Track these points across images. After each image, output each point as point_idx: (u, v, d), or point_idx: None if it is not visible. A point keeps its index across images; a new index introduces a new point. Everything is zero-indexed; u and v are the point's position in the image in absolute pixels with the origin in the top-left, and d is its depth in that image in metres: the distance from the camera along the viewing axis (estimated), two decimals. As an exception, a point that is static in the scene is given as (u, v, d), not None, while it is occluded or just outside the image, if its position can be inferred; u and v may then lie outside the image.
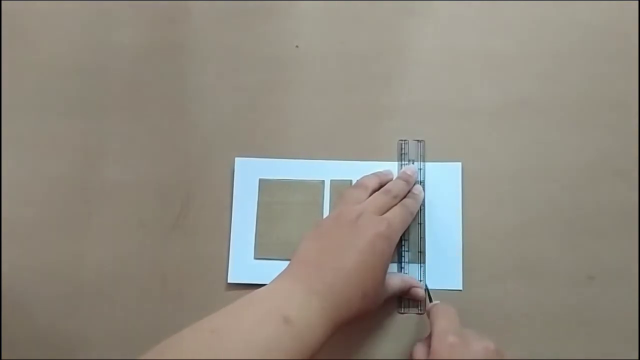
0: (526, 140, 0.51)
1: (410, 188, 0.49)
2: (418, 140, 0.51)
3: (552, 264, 0.49)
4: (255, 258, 0.50)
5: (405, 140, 0.51)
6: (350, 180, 0.51)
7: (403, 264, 0.49)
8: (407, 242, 0.49)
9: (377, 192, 0.47)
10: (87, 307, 0.51)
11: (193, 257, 0.51)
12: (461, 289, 0.48)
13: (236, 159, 0.52)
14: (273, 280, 0.41)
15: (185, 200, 0.52)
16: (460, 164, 0.50)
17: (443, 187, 0.50)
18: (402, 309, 0.49)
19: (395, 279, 0.46)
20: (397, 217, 0.45)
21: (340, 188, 0.50)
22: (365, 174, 0.49)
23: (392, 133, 0.52)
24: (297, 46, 0.54)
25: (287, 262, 0.43)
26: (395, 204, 0.47)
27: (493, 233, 0.48)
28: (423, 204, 0.49)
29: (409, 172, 0.50)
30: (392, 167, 0.51)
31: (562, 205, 0.50)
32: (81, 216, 0.52)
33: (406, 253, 0.49)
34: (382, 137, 0.52)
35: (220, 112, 0.54)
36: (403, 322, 0.49)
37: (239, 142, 0.53)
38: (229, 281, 0.50)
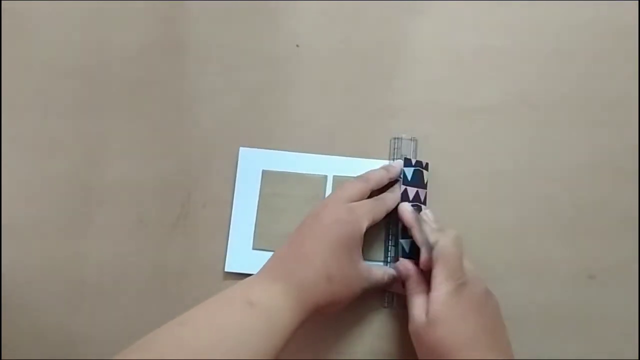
0: (526, 139, 0.51)
1: (389, 179, 0.49)
2: (411, 139, 0.51)
3: (552, 263, 0.49)
4: (254, 248, 0.50)
5: (398, 138, 0.51)
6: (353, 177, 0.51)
7: (389, 258, 0.49)
8: (394, 237, 0.49)
9: (353, 180, 0.47)
10: (88, 306, 0.51)
11: (193, 256, 0.51)
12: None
13: (240, 148, 0.52)
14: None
15: (185, 199, 0.52)
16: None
17: None
18: (386, 303, 0.49)
19: (378, 270, 0.46)
20: (364, 206, 0.45)
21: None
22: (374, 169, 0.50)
23: (392, 131, 0.52)
24: (297, 45, 0.55)
25: None
26: (369, 189, 0.47)
27: (493, 232, 0.48)
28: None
29: (393, 164, 0.50)
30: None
31: (562, 204, 0.50)
32: (82, 215, 0.52)
33: (392, 248, 0.49)
34: (382, 135, 0.52)
35: (221, 111, 0.54)
36: (388, 318, 0.49)
37: (239, 141, 0.53)
38: (226, 270, 0.50)
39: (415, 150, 0.51)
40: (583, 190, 0.50)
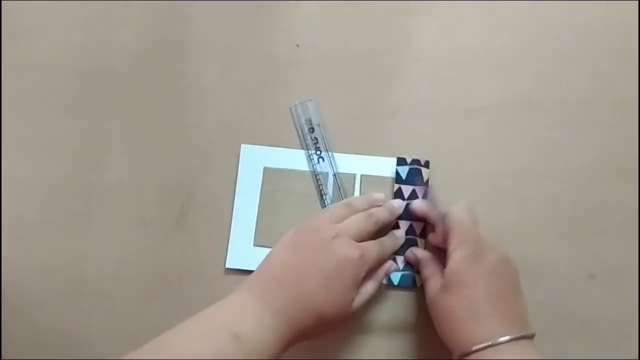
0: (527, 139, 0.51)
1: (393, 220, 0.49)
2: (309, 100, 0.52)
3: (553, 263, 0.49)
4: (255, 245, 0.50)
5: (296, 105, 0.52)
6: (354, 174, 0.51)
7: None
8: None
9: (360, 213, 0.46)
10: (89, 307, 0.51)
11: (193, 255, 0.51)
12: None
13: (242, 145, 0.52)
14: (234, 292, 0.41)
15: (186, 199, 0.52)
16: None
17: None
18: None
19: (368, 285, 0.45)
20: (373, 251, 0.44)
21: (344, 181, 0.51)
22: (357, 197, 0.50)
23: (392, 131, 0.52)
24: (297, 45, 0.55)
25: None
26: (374, 231, 0.46)
27: (493, 232, 0.48)
28: None
29: (395, 205, 0.49)
30: (392, 164, 0.51)
31: (562, 204, 0.50)
32: (82, 215, 0.52)
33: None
34: (382, 135, 0.52)
35: (221, 111, 0.54)
36: (388, 318, 0.49)
37: (239, 141, 0.53)
38: (227, 266, 0.50)
39: (318, 112, 0.52)
40: (583, 190, 0.50)
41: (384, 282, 0.48)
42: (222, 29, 0.56)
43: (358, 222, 0.45)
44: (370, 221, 0.46)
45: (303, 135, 0.51)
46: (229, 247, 0.50)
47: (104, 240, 0.52)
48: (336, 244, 0.42)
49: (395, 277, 0.48)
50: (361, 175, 0.51)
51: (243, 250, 0.50)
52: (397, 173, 0.50)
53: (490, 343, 0.38)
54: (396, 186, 0.49)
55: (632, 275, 0.48)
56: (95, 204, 0.53)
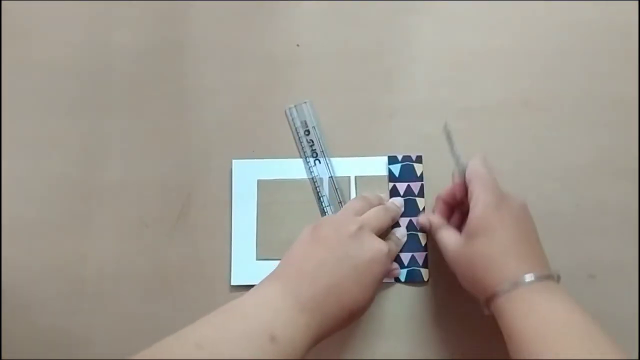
0: (527, 139, 0.51)
1: (398, 215, 0.50)
2: (304, 103, 0.52)
3: (553, 263, 0.48)
4: (258, 259, 0.50)
5: (292, 107, 0.52)
6: (349, 177, 0.51)
7: None
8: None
9: (378, 207, 0.47)
10: (88, 307, 0.51)
11: (194, 256, 0.51)
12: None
13: (233, 161, 0.52)
14: (263, 284, 0.41)
15: (186, 199, 0.52)
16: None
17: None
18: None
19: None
20: (393, 249, 0.47)
21: (340, 184, 0.51)
22: (355, 197, 0.50)
23: (392, 131, 0.52)
24: (298, 45, 0.54)
25: None
26: (389, 226, 0.48)
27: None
28: None
29: (397, 203, 0.50)
30: (385, 163, 0.51)
31: (562, 204, 0.50)
32: (82, 216, 0.52)
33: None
34: (382, 135, 0.52)
35: (221, 111, 0.54)
36: (391, 317, 0.49)
37: (240, 141, 0.53)
38: (232, 283, 0.50)
39: (313, 114, 0.52)
40: (583, 190, 0.50)
41: (391, 280, 0.49)
42: (222, 29, 0.56)
43: (377, 216, 0.46)
44: (388, 216, 0.47)
45: (299, 138, 0.52)
46: (232, 264, 0.50)
47: (104, 240, 0.52)
48: (364, 237, 0.43)
49: (402, 275, 0.48)
50: (355, 177, 0.51)
51: (246, 266, 0.50)
52: (390, 171, 0.50)
53: (517, 281, 0.39)
54: (390, 184, 0.50)
55: (632, 275, 0.48)
56: (95, 204, 0.53)
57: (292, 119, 0.52)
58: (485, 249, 0.41)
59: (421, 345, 0.48)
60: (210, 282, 0.50)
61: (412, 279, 0.48)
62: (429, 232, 0.48)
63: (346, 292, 0.40)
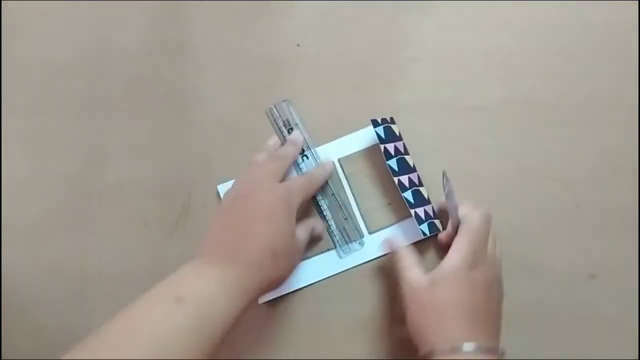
0: (526, 139, 0.51)
1: (297, 150, 0.50)
2: (283, 101, 0.52)
3: (553, 263, 0.49)
4: None
5: (271, 107, 0.53)
6: (333, 162, 0.51)
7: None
8: (325, 208, 0.51)
9: (266, 160, 0.48)
10: (88, 306, 0.51)
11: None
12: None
13: (218, 186, 0.52)
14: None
15: (186, 199, 0.52)
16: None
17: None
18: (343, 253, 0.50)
19: (300, 230, 0.46)
20: (297, 183, 0.47)
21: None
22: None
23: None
24: (298, 45, 0.55)
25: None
26: (288, 165, 0.48)
27: (493, 231, 0.48)
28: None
29: (294, 136, 0.51)
30: (367, 132, 0.52)
31: (562, 203, 0.50)
32: (82, 216, 0.52)
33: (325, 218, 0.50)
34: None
35: (222, 111, 0.54)
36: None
37: (240, 141, 0.53)
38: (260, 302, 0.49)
39: (294, 111, 0.52)
40: (583, 189, 0.50)
41: (420, 237, 0.48)
42: (222, 29, 0.56)
43: (269, 166, 0.47)
44: (279, 159, 0.48)
45: (284, 138, 0.52)
46: None
47: (105, 240, 0.52)
48: (259, 189, 0.44)
49: (425, 228, 0.48)
50: (339, 160, 0.51)
51: None
52: (378, 135, 0.49)
53: (459, 347, 0.39)
54: (382, 147, 0.49)
55: (632, 275, 0.48)
56: (96, 204, 0.53)
57: (275, 119, 0.52)
58: (444, 302, 0.41)
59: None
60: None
61: (433, 231, 0.48)
62: (394, 256, 0.47)
63: (259, 232, 0.41)
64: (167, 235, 0.51)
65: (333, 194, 0.51)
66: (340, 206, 0.50)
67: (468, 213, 0.44)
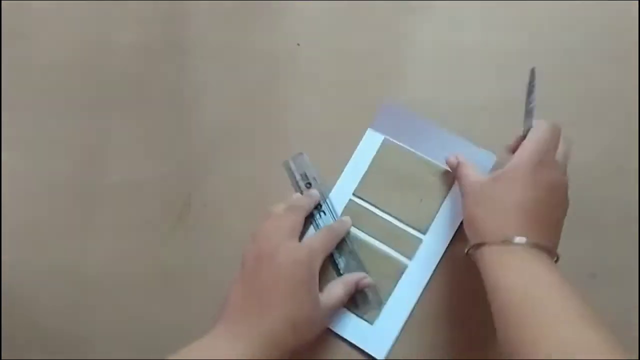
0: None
1: (314, 202, 0.49)
2: (299, 154, 0.51)
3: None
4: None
5: (287, 161, 0.52)
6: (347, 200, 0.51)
7: (341, 270, 0.49)
8: (340, 251, 0.49)
9: (283, 212, 0.47)
10: (88, 306, 0.51)
11: (194, 255, 0.51)
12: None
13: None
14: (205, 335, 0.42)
15: (186, 199, 0.52)
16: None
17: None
18: (359, 312, 0.48)
19: (336, 286, 0.46)
20: (318, 239, 0.46)
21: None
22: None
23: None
24: (298, 44, 0.55)
25: None
26: (303, 217, 0.47)
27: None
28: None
29: (311, 191, 0.50)
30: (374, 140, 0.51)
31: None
32: (82, 216, 0.52)
33: (340, 259, 0.49)
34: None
35: (222, 110, 0.54)
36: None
37: (240, 140, 0.53)
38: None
39: (310, 164, 0.51)
40: (583, 189, 0.50)
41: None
42: (222, 29, 0.56)
43: (286, 222, 0.46)
44: (294, 212, 0.47)
45: (301, 191, 0.51)
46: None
47: (105, 240, 0.52)
48: (279, 254, 0.43)
49: None
50: (355, 194, 0.51)
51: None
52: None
53: (512, 239, 0.38)
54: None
55: (632, 275, 0.48)
56: (96, 203, 0.53)
57: (293, 172, 0.51)
58: (504, 196, 0.40)
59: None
60: (211, 281, 0.50)
61: None
62: (454, 168, 0.47)
63: (277, 306, 0.41)
64: (167, 235, 0.51)
65: (351, 252, 0.49)
66: (358, 266, 0.49)
67: (539, 121, 0.43)
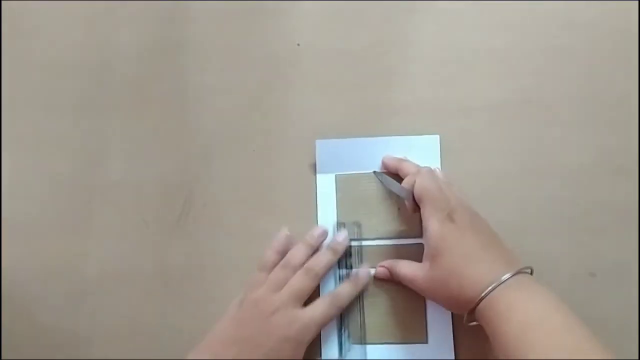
0: (527, 138, 0.51)
1: (337, 258, 0.48)
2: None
3: (553, 261, 0.49)
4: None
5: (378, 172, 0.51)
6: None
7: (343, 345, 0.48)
8: (347, 330, 0.48)
9: (298, 273, 0.46)
10: (89, 306, 0.51)
11: (194, 255, 0.51)
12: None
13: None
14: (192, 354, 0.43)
15: (186, 198, 0.52)
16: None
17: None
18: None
19: (317, 310, 0.45)
20: (316, 312, 0.45)
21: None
22: (297, 246, 0.48)
23: (393, 130, 0.52)
24: (298, 44, 0.55)
25: None
26: (316, 285, 0.46)
27: (494, 230, 0.48)
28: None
29: (339, 239, 0.48)
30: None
31: (562, 202, 0.50)
32: (83, 215, 0.52)
33: (344, 336, 0.48)
34: (383, 135, 0.52)
35: (222, 110, 0.54)
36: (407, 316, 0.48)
37: (240, 140, 0.53)
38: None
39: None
40: (583, 188, 0.50)
41: None
42: (222, 29, 0.56)
43: (297, 285, 0.45)
44: (309, 277, 0.46)
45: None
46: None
47: (105, 240, 0.52)
48: (275, 320, 0.44)
49: None
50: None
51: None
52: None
53: (492, 283, 0.38)
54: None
55: (632, 274, 0.48)
56: (97, 203, 0.53)
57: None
58: (451, 265, 0.41)
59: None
60: (211, 281, 0.50)
61: None
62: (390, 278, 0.47)
63: (254, 351, 0.43)
64: (168, 234, 0.51)
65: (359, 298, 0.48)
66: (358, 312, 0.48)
67: (415, 180, 0.45)
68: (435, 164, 0.50)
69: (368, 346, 0.47)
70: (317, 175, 0.51)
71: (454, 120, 0.52)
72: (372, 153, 0.51)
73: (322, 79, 0.54)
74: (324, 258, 0.47)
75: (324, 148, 0.51)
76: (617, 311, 0.48)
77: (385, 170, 0.50)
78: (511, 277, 0.39)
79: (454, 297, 0.41)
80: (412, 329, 0.47)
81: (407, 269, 0.45)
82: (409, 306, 0.48)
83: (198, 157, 0.53)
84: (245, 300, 0.45)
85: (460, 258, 0.41)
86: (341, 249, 0.48)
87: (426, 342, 0.47)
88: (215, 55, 0.55)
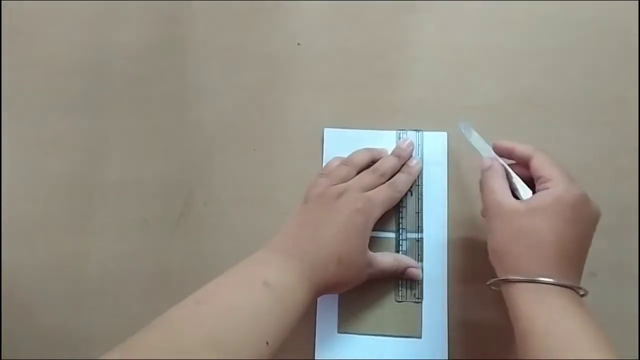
0: (527, 137, 0.51)
1: (402, 163, 0.49)
2: (417, 130, 0.51)
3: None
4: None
5: (403, 130, 0.51)
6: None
7: (400, 250, 0.49)
8: (404, 219, 0.49)
9: (364, 171, 0.48)
10: (89, 306, 0.51)
11: (195, 254, 0.51)
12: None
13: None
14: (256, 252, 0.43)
15: (186, 198, 0.52)
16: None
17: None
18: (400, 297, 0.48)
19: (387, 256, 0.47)
20: (379, 195, 0.46)
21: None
22: (358, 149, 0.50)
23: (393, 130, 0.52)
24: (298, 44, 0.55)
25: None
26: (383, 183, 0.48)
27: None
28: (420, 177, 0.50)
29: (402, 146, 0.50)
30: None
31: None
32: (83, 215, 0.52)
33: (403, 231, 0.49)
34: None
35: (222, 110, 0.54)
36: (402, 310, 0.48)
37: (240, 140, 0.53)
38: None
39: (421, 143, 0.51)
40: (584, 188, 0.50)
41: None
42: (222, 28, 0.56)
43: (363, 180, 0.47)
44: (376, 175, 0.48)
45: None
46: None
47: (105, 239, 0.52)
48: (342, 199, 0.45)
49: None
50: None
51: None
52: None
53: (552, 280, 0.38)
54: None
55: (632, 274, 0.48)
56: (97, 202, 0.53)
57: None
58: (544, 232, 0.38)
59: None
60: (211, 280, 0.50)
61: None
62: (483, 170, 0.44)
63: (329, 241, 0.43)
64: (168, 234, 0.51)
65: (418, 240, 0.49)
66: (416, 256, 0.49)
67: (528, 150, 0.43)
68: (442, 161, 0.51)
69: (360, 337, 0.48)
70: (323, 163, 0.51)
71: (454, 120, 0.52)
72: (379, 146, 0.51)
73: (322, 78, 0.54)
74: (389, 160, 0.49)
75: (332, 137, 0.52)
76: (617, 312, 0.48)
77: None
78: (561, 286, 0.38)
79: (510, 253, 0.39)
80: (406, 322, 0.48)
81: (498, 183, 0.42)
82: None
83: (198, 156, 0.53)
84: (308, 197, 0.47)
85: (553, 234, 0.38)
86: (405, 154, 0.49)
87: (419, 337, 0.47)
88: (215, 55, 0.55)
